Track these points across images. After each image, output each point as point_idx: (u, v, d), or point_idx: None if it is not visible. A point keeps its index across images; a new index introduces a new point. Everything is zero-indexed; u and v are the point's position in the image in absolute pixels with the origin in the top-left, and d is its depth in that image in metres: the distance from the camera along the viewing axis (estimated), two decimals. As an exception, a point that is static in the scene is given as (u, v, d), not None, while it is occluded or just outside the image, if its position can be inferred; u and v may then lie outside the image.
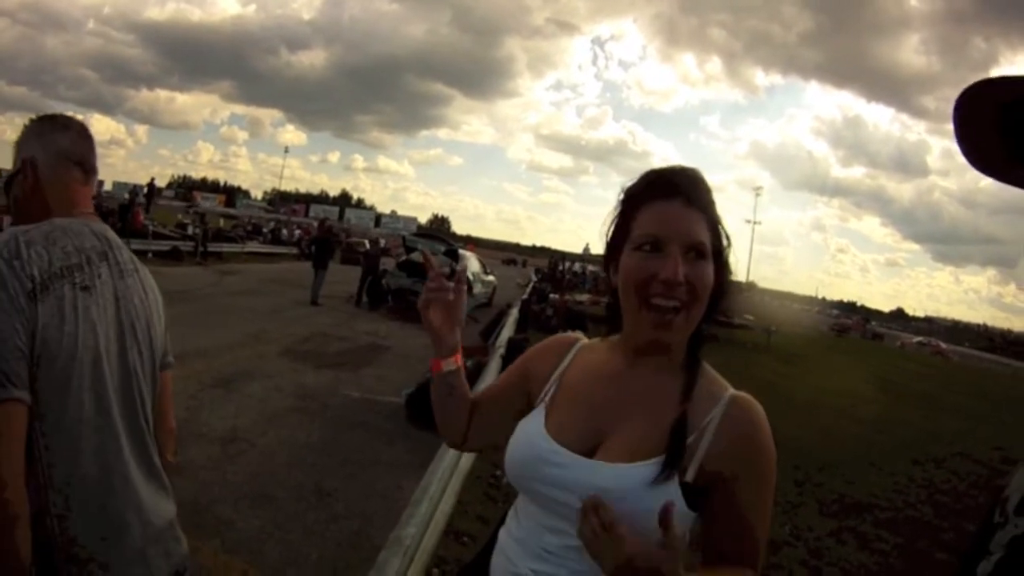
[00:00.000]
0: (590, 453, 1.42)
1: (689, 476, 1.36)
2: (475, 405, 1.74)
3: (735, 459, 1.38)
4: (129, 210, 26.60)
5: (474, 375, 8.02)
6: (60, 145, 1.86)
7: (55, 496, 1.65)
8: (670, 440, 1.37)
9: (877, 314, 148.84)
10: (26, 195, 1.85)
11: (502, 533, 1.59)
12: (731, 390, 1.46)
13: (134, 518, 1.81)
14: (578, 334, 1.69)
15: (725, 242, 1.47)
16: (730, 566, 1.41)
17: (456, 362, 1.70)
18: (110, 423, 1.77)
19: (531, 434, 1.50)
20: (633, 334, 1.47)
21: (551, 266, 47.63)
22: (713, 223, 1.43)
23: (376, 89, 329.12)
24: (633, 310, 1.42)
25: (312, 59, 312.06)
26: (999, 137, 0.75)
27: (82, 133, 1.93)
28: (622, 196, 1.51)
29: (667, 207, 1.41)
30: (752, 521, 1.41)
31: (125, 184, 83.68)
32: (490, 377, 7.55)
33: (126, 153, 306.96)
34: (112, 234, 1.95)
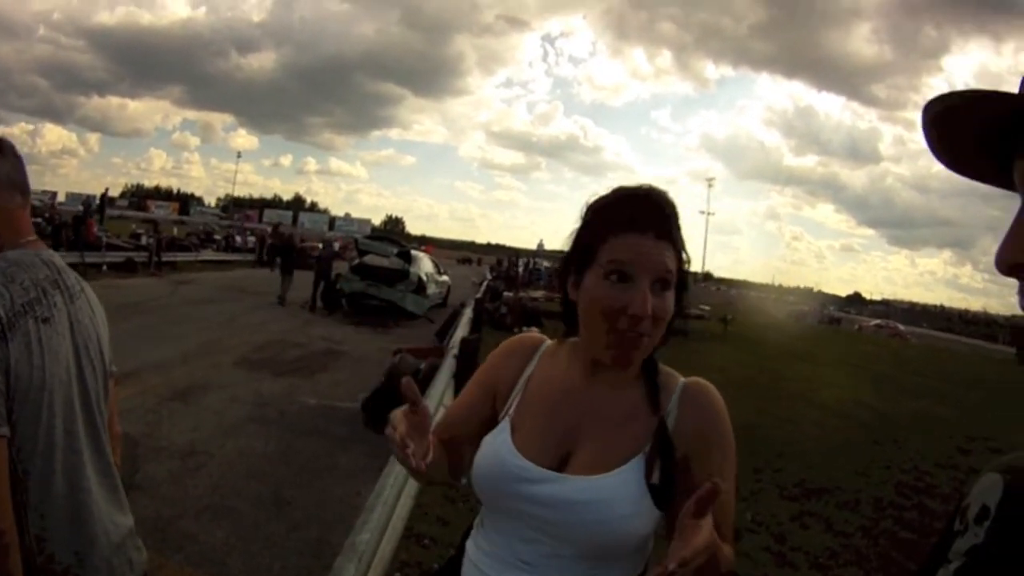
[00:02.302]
0: (558, 468, 1.45)
1: (656, 478, 1.41)
2: (449, 442, 1.64)
3: (695, 439, 1.44)
4: (83, 222, 26.27)
5: (428, 377, 8.03)
6: (2, 172, 1.82)
7: (34, 516, 1.71)
8: (653, 447, 1.43)
9: (834, 299, 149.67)
10: None
11: (470, 545, 1.60)
12: (684, 379, 1.52)
13: (100, 530, 1.87)
14: (542, 336, 1.69)
15: (686, 264, 1.50)
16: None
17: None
18: (75, 443, 1.82)
19: (499, 451, 1.51)
20: (594, 351, 1.48)
21: (498, 265, 47.47)
22: (679, 250, 1.46)
23: (326, 90, 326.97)
24: (598, 332, 1.44)
25: (262, 61, 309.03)
26: (980, 148, 0.74)
27: (16, 154, 1.89)
28: (589, 213, 1.51)
29: (640, 240, 1.41)
30: (723, 497, 1.39)
31: (78, 195, 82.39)
32: (443, 378, 7.54)
33: (78, 163, 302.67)
34: (58, 259, 1.98)
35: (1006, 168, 0.73)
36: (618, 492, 1.39)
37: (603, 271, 1.42)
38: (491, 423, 1.62)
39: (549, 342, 1.67)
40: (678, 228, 1.46)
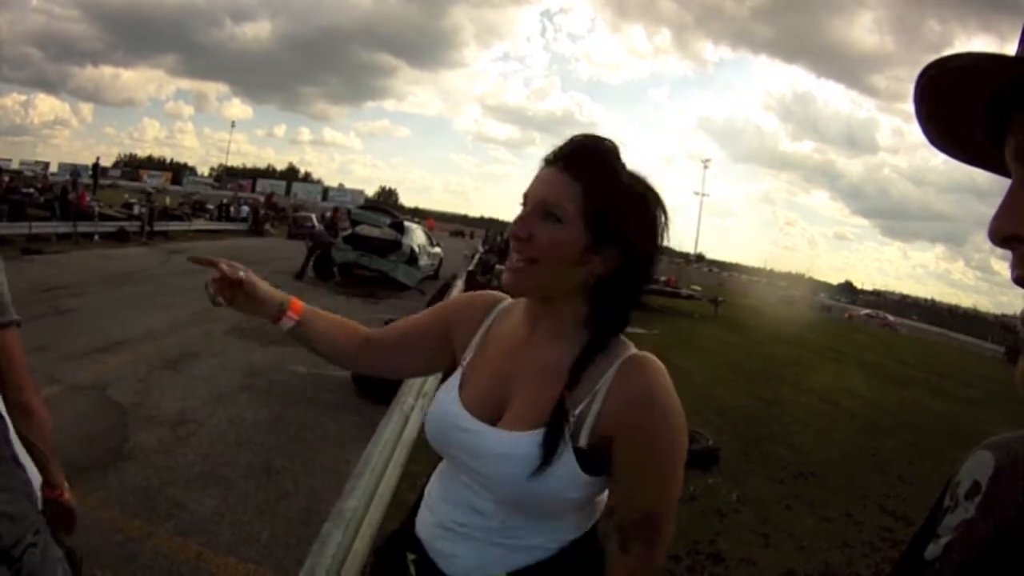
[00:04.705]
0: (494, 421, 1.49)
1: (583, 441, 1.41)
2: (382, 342, 1.83)
3: (624, 420, 1.41)
4: (73, 191, 26.21)
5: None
6: None
7: None
8: (553, 409, 1.43)
9: (826, 286, 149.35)
10: None
11: (427, 490, 1.68)
12: (631, 352, 1.49)
13: None
14: (499, 295, 1.73)
15: (625, 215, 1.46)
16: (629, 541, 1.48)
17: (292, 318, 1.79)
18: None
19: (446, 400, 1.59)
20: None
21: (486, 239, 47.38)
22: (593, 191, 1.43)
23: (321, 60, 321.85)
24: None
25: (257, 31, 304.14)
26: (975, 124, 0.71)
27: None
28: None
29: (543, 171, 1.48)
30: (644, 479, 1.44)
31: (71, 166, 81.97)
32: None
33: (71, 133, 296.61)
34: None
35: (997, 144, 0.70)
36: (522, 450, 1.41)
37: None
38: (434, 353, 1.78)
39: (506, 301, 1.71)
40: (597, 169, 1.45)
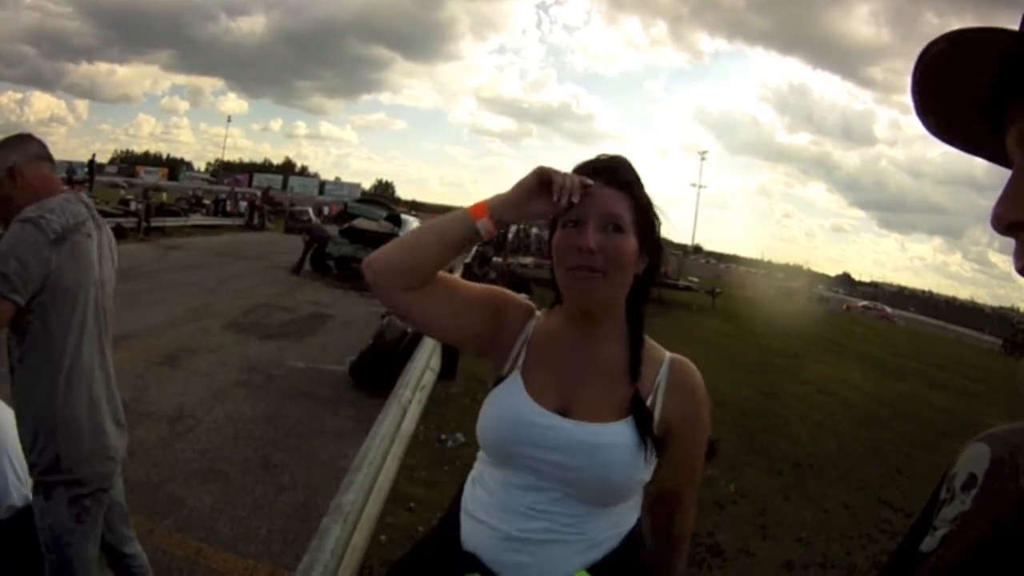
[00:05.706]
0: (562, 414, 1.57)
1: (656, 431, 1.58)
2: (444, 282, 1.66)
3: (683, 413, 1.62)
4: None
5: (414, 341, 8.06)
6: (32, 151, 2.64)
7: (61, 378, 2.54)
8: (634, 407, 1.57)
9: (824, 278, 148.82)
10: (15, 192, 2.55)
11: (470, 505, 1.65)
12: (668, 354, 1.68)
13: (103, 393, 2.74)
14: (534, 305, 1.78)
15: (656, 221, 1.63)
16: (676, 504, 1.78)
17: (489, 232, 1.60)
18: (97, 326, 2.71)
19: (515, 399, 1.60)
20: (567, 300, 1.63)
21: None
22: (637, 203, 1.58)
23: (317, 54, 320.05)
24: (560, 278, 1.59)
25: (252, 25, 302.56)
26: (974, 110, 0.69)
27: (38, 139, 2.72)
28: None
29: (590, 189, 1.54)
30: (696, 459, 1.72)
31: (67, 162, 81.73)
32: (430, 342, 7.55)
33: (67, 130, 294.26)
34: (88, 201, 2.80)
35: (997, 132, 0.69)
36: (626, 439, 1.53)
37: (561, 224, 1.57)
38: (472, 322, 1.69)
39: (539, 313, 1.76)
40: (634, 183, 1.60)
